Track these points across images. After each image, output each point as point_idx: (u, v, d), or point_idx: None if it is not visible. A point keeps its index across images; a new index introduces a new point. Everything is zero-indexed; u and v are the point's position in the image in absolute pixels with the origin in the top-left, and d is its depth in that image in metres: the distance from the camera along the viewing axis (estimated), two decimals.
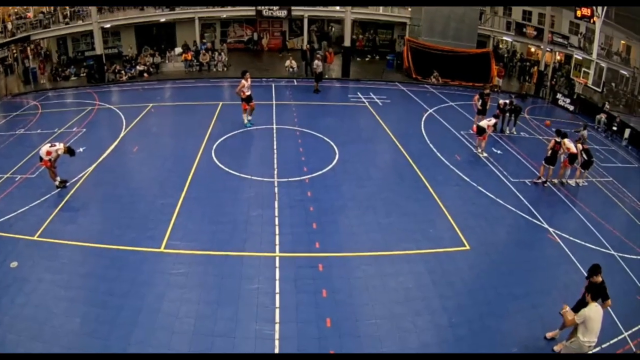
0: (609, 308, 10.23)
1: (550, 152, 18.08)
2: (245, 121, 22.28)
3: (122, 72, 31.56)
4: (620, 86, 36.95)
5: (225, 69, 34.38)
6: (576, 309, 9.78)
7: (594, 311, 9.04)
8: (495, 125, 20.72)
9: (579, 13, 31.64)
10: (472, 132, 23.07)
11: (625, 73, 35.67)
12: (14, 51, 32.16)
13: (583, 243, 14.61)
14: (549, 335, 10.64)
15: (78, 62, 34.05)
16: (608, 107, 30.53)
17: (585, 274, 10.35)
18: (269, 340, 10.09)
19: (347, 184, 17.10)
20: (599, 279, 9.78)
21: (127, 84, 30.76)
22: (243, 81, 21.30)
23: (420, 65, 35.12)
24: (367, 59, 40.48)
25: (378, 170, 18.78)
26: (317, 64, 28.60)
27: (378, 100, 28.21)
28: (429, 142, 21.62)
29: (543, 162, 18.31)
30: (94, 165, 17.77)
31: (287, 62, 33.32)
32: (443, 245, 13.79)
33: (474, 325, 10.83)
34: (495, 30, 40.49)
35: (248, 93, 21.60)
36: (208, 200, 15.56)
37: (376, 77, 34.69)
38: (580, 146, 18.70)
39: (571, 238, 14.77)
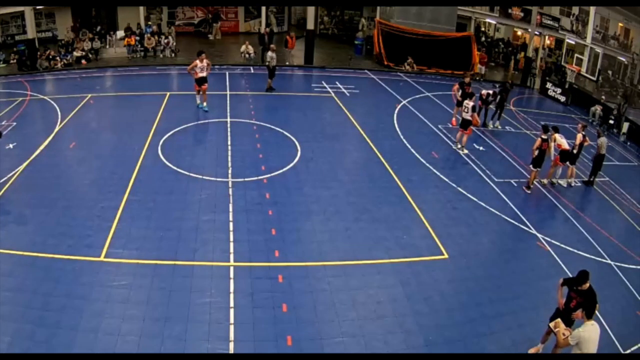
0: (604, 324, 10.27)
1: (536, 152, 17.78)
2: (198, 101, 22.96)
3: (57, 58, 30.82)
4: (617, 75, 37.06)
5: (173, 55, 34.05)
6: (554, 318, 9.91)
7: (588, 331, 8.68)
8: (474, 107, 20.76)
9: None
10: (451, 125, 23.25)
11: (623, 60, 35.91)
12: None
13: (576, 251, 14.81)
14: (531, 351, 10.71)
15: (7, 47, 33.14)
16: (604, 97, 30.81)
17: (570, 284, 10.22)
18: None
19: (310, 185, 17.08)
20: (587, 285, 9.60)
21: (62, 71, 30.10)
22: (197, 61, 21.89)
23: (392, 50, 35.25)
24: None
25: (345, 169, 18.79)
26: (271, 56, 26.28)
27: (345, 90, 28.33)
28: (402, 137, 21.76)
29: (531, 166, 18.06)
30: (25, 164, 17.33)
31: (243, 48, 33.12)
32: (418, 254, 13.83)
33: (453, 346, 10.82)
34: (477, 11, 40.45)
35: (201, 74, 22.12)
36: (154, 203, 15.32)
37: (343, 64, 34.79)
38: (580, 136, 18.63)
39: (563, 246, 14.96)
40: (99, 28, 35.63)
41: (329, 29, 44.19)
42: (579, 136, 18.59)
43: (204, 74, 22.21)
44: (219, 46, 37.09)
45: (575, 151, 18.73)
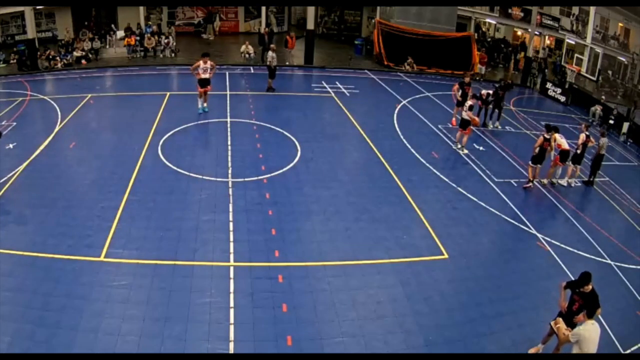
0: (604, 324, 10.29)
1: (537, 150, 17.87)
2: (199, 105, 22.72)
3: (57, 58, 30.80)
4: (617, 75, 37.07)
5: (173, 55, 34.04)
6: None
7: (589, 330, 8.70)
8: (471, 107, 20.64)
9: None
10: (451, 125, 23.24)
11: (623, 59, 35.94)
12: None
13: (576, 251, 14.79)
14: (531, 351, 10.69)
15: (7, 47, 33.13)
16: (604, 97, 30.80)
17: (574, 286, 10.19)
18: None
19: (310, 185, 17.07)
20: (589, 287, 9.61)
21: (62, 71, 30.08)
22: (200, 62, 21.93)
23: (392, 50, 35.24)
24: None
25: (345, 169, 18.77)
26: (272, 55, 26.42)
27: (345, 90, 28.32)
28: (402, 137, 21.75)
29: (530, 162, 18.18)
30: (25, 164, 17.30)
31: (243, 48, 33.14)
32: (418, 254, 13.81)
33: (453, 346, 10.80)
34: (477, 11, 40.43)
35: (203, 76, 22.05)
36: (154, 203, 15.30)
37: (343, 64, 34.78)
38: (583, 136, 18.63)
39: (563, 246, 14.94)
40: (112, 25, 35.75)
41: (321, 29, 44.15)
42: (582, 136, 18.60)
43: (206, 76, 22.17)
44: (219, 46, 37.03)
45: (578, 151, 18.73)
